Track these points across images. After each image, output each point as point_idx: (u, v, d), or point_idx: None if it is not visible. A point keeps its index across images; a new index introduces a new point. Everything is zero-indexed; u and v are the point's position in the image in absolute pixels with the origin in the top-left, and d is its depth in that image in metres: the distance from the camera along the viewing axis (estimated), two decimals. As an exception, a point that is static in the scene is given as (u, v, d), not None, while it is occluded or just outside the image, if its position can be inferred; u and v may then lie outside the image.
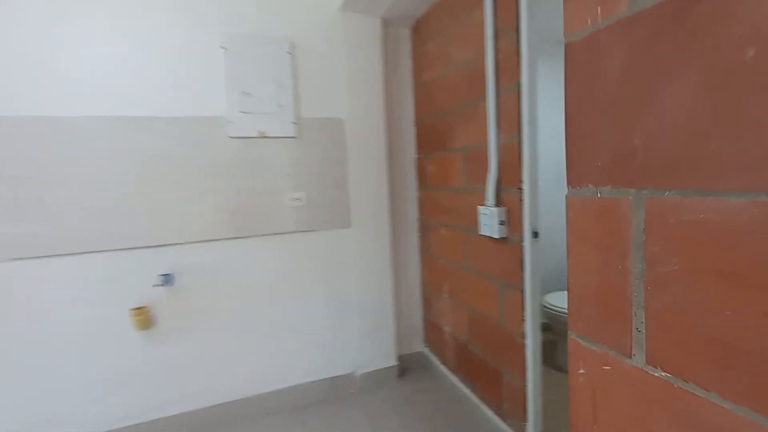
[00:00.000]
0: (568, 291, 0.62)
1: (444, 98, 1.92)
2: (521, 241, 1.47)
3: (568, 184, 0.62)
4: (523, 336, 1.51)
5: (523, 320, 1.51)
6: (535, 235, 1.45)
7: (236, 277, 1.89)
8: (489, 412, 1.75)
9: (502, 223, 1.53)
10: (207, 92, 1.78)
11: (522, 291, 1.50)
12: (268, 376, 1.98)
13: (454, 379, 2.04)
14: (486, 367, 1.77)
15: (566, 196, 0.62)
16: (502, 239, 1.55)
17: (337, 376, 2.10)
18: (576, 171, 0.60)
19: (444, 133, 1.94)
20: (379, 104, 2.05)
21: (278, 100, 1.89)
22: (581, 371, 0.62)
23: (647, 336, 0.51)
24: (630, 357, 0.55)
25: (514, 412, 1.60)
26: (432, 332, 2.28)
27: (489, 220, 1.57)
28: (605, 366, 0.58)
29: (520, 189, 1.45)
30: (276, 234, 1.93)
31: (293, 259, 1.98)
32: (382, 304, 2.15)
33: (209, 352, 1.87)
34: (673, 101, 0.43)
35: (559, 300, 2.24)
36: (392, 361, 2.21)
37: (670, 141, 0.43)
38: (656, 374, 0.49)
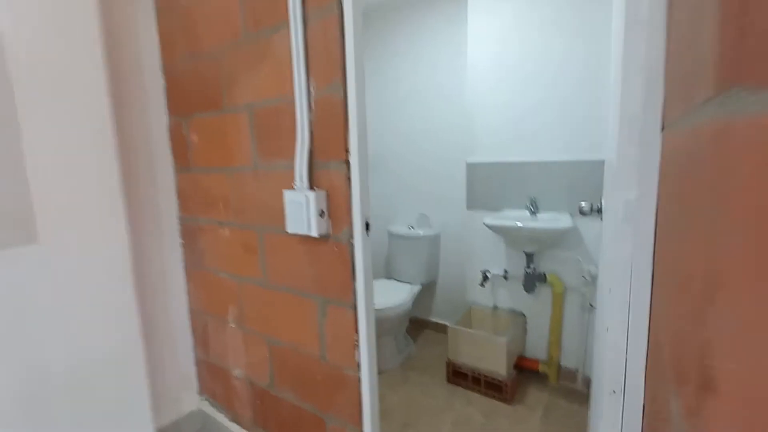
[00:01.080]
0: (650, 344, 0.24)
1: (211, 28, 1.25)
2: (351, 237, 1.04)
3: (671, 109, 0.33)
4: (356, 368, 1.10)
5: (355, 346, 1.09)
6: (367, 227, 1.05)
7: None
8: (310, 475, 1.27)
9: (321, 214, 1.05)
10: None
11: (354, 307, 1.07)
12: None
13: (254, 439, 1.44)
14: (301, 415, 1.27)
15: (665, 133, 0.30)
16: (323, 237, 1.08)
17: None
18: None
19: (215, 85, 1.28)
20: (85, 20, 1.16)
21: None
22: None
23: None
24: None
25: (348, 469, 1.18)
26: (213, 379, 1.58)
27: (301, 212, 1.06)
28: None
29: (347, 163, 1.01)
30: None
31: None
32: (121, 359, 1.29)
33: None
34: None
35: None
36: (148, 446, 1.38)
37: None
38: None
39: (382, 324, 2.01)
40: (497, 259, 2.08)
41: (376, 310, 1.92)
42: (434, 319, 2.57)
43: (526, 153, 1.91)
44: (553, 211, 1.87)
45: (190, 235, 1.51)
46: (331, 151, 1.03)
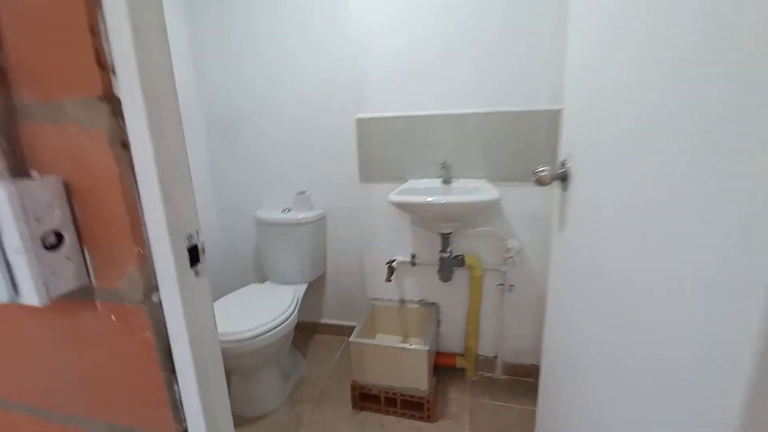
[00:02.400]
0: None
1: None
2: (151, 288, 0.42)
3: None
4: None
5: (200, 507, 0.51)
6: (194, 258, 0.44)
7: None
8: None
9: (51, 242, 0.39)
10: None
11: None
12: None
13: None
14: None
15: None
16: (73, 300, 0.43)
17: None
18: None
19: None
20: None
21: None
22: None
23: None
24: None
25: None
26: None
27: (-10, 240, 0.38)
28: None
29: (111, 102, 0.37)
30: None
31: None
32: None
33: None
34: None
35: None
36: None
37: None
38: None
39: (261, 354, 1.41)
40: (402, 242, 1.66)
41: (248, 338, 1.32)
42: (326, 321, 2.08)
43: (435, 104, 1.48)
44: (469, 177, 1.50)
45: None
46: (60, 71, 0.37)
